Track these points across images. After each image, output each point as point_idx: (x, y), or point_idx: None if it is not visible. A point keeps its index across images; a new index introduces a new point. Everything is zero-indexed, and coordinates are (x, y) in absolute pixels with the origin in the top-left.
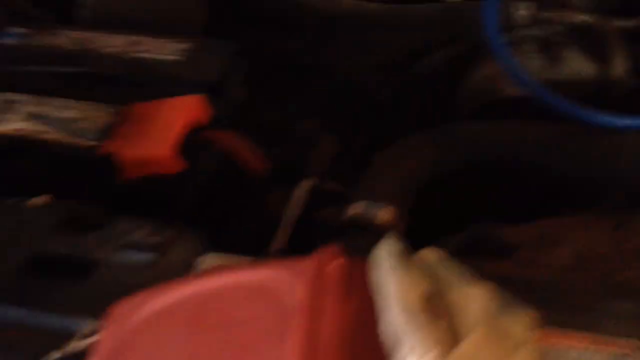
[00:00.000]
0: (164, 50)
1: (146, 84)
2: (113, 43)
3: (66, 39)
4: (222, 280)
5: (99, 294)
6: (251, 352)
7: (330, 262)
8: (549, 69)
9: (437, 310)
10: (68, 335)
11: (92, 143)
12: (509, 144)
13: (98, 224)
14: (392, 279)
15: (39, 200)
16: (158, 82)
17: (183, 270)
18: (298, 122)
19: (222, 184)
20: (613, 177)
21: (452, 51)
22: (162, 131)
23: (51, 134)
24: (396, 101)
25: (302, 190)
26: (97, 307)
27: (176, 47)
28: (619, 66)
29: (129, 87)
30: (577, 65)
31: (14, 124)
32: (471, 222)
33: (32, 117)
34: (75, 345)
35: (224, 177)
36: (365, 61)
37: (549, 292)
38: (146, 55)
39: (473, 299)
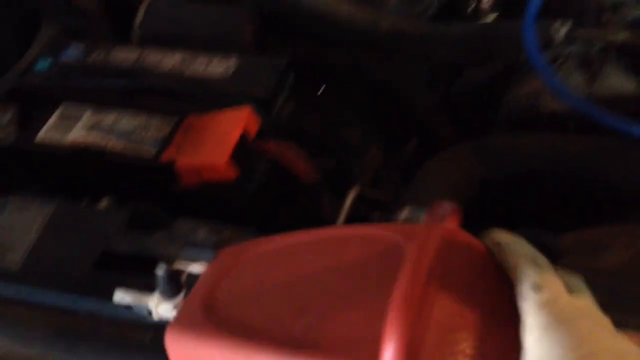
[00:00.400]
0: (216, 66)
1: (200, 98)
2: (168, 60)
3: (124, 55)
4: (334, 231)
5: None
6: (358, 285)
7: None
8: (590, 86)
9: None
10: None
11: (152, 152)
12: (552, 156)
13: (161, 224)
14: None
15: (104, 203)
16: (211, 97)
17: None
18: (345, 132)
19: (275, 190)
20: None
21: (492, 68)
22: (217, 141)
23: (112, 144)
24: (439, 114)
25: (351, 197)
26: None
27: (227, 64)
28: None
29: (185, 100)
30: (617, 81)
31: (77, 135)
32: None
33: (94, 128)
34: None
35: (276, 183)
36: (410, 75)
37: (602, 294)
38: (200, 71)
39: None
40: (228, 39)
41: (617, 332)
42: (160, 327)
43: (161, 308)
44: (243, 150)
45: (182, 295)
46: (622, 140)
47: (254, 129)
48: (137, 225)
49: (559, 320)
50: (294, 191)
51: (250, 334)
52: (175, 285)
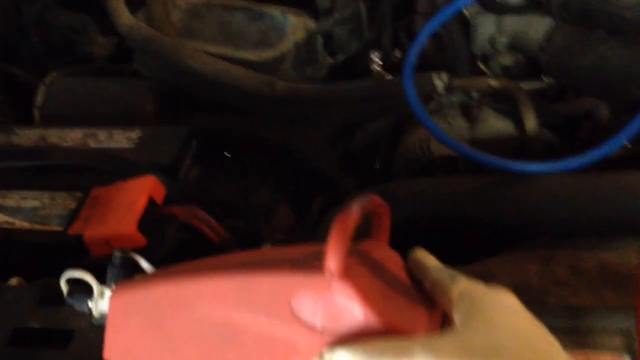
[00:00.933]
0: (118, 139)
1: (105, 170)
2: (70, 136)
3: (25, 136)
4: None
5: (79, 358)
6: None
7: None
8: (471, 130)
9: None
10: None
11: (59, 228)
12: (443, 197)
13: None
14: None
15: (13, 281)
16: (115, 169)
17: None
18: (253, 195)
19: (186, 252)
20: (535, 216)
21: (386, 121)
22: (124, 210)
23: (17, 224)
24: (341, 169)
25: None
26: None
27: (129, 136)
28: (531, 122)
29: (89, 175)
30: (494, 124)
31: None
32: None
33: None
34: None
35: (187, 246)
36: (309, 137)
37: None
38: (102, 145)
39: None
40: (130, 113)
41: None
42: None
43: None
44: (151, 217)
45: None
46: (504, 176)
47: (160, 195)
48: (49, 300)
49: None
50: (205, 252)
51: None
52: None
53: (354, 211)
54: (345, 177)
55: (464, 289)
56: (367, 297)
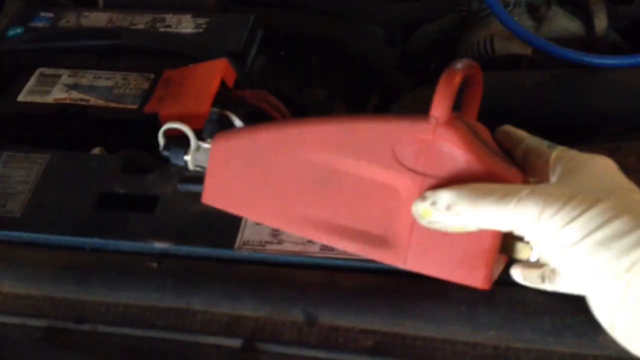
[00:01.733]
0: (186, 24)
1: (175, 53)
2: (139, 20)
3: (94, 19)
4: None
5: (165, 221)
6: None
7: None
8: (538, 29)
9: None
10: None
11: (134, 106)
12: (511, 90)
13: (154, 167)
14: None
15: (96, 150)
16: (186, 52)
17: None
18: (311, 92)
19: None
20: (606, 107)
21: (445, 21)
22: (198, 91)
23: (92, 101)
24: (399, 69)
25: None
26: (165, 232)
27: (198, 22)
28: (602, 22)
29: (160, 57)
30: (563, 24)
31: (58, 95)
32: None
33: (73, 88)
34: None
35: None
36: (367, 35)
37: None
38: (171, 29)
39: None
40: (192, 3)
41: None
42: (164, 255)
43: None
44: (223, 99)
45: None
46: (574, 70)
47: (231, 79)
48: (131, 169)
49: (573, 166)
50: None
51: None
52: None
53: (459, 67)
54: (402, 76)
55: (560, 152)
56: (470, 145)
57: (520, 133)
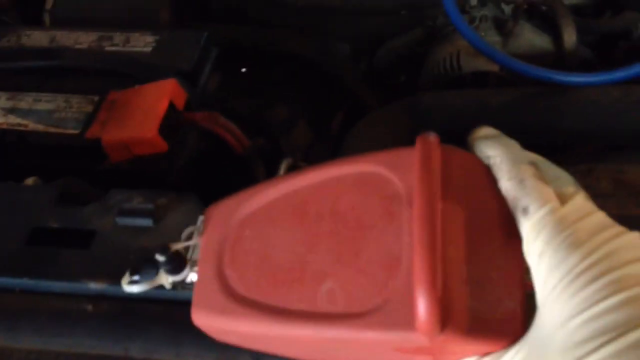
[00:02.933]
0: (135, 42)
1: (121, 74)
2: (85, 39)
3: (37, 38)
4: (321, 174)
5: (102, 258)
6: (363, 233)
7: (430, 149)
8: (505, 45)
9: (542, 177)
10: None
11: (74, 131)
12: (477, 109)
13: (92, 198)
14: (500, 149)
15: (29, 180)
16: (134, 72)
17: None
18: (273, 110)
19: (207, 161)
20: (576, 127)
21: (412, 35)
22: (144, 114)
23: (31, 126)
24: (365, 84)
25: (284, 167)
26: (102, 270)
27: (147, 39)
28: (571, 37)
29: (105, 77)
30: (530, 39)
31: None
32: None
33: (11, 112)
34: (175, 246)
35: (208, 154)
36: (333, 50)
37: None
38: (118, 47)
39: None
40: (144, 19)
41: (614, 223)
42: (100, 296)
43: (172, 281)
44: (172, 122)
45: (187, 266)
46: (543, 88)
47: (181, 100)
48: (68, 201)
49: (555, 232)
50: (227, 161)
51: (278, 313)
52: (179, 261)
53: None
54: (369, 92)
55: (538, 221)
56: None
57: (492, 159)
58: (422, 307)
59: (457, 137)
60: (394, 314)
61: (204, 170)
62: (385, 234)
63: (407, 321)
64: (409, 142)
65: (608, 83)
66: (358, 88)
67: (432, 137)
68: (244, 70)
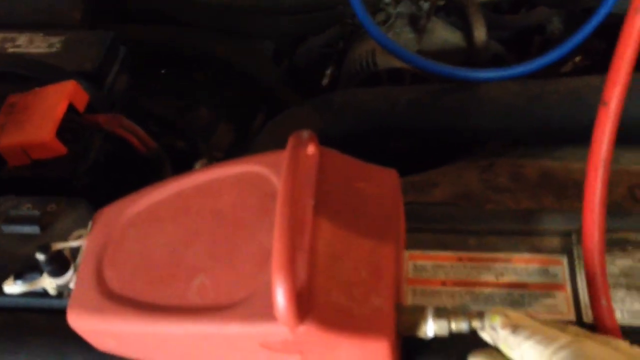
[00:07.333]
0: (39, 44)
1: (23, 77)
2: None
3: None
4: (207, 175)
5: None
6: (239, 230)
7: (303, 151)
8: (419, 42)
9: None
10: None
11: None
12: (386, 107)
13: None
14: None
15: None
16: (35, 74)
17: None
18: (192, 113)
19: (113, 163)
20: (479, 123)
21: (331, 34)
22: (42, 117)
23: None
24: (285, 84)
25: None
26: None
27: (51, 41)
28: (480, 33)
29: (5, 82)
30: (443, 36)
31: None
32: None
33: None
34: (57, 245)
35: (113, 157)
36: (253, 51)
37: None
38: (21, 49)
39: None
40: (54, 19)
41: None
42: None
43: (55, 285)
44: (72, 125)
45: (71, 268)
46: (448, 85)
47: (82, 102)
48: None
49: None
50: (134, 164)
51: (149, 309)
52: (60, 262)
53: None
54: (289, 92)
55: None
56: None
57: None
58: (280, 296)
59: (367, 134)
60: (257, 305)
61: (109, 174)
62: (260, 230)
63: (268, 312)
64: (320, 140)
65: (508, 78)
66: (278, 88)
67: (305, 135)
68: (163, 71)
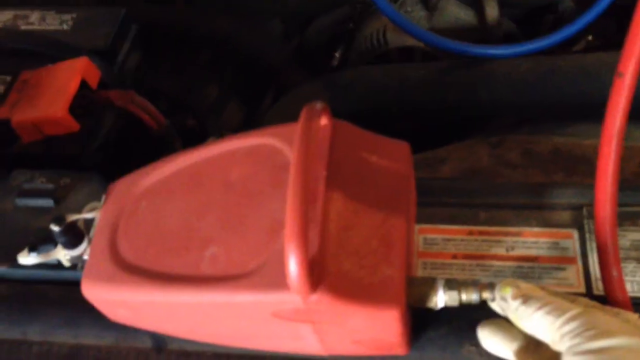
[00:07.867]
0: (51, 21)
1: (36, 53)
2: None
3: None
4: (219, 148)
5: (1, 242)
6: (251, 201)
7: (316, 122)
8: (430, 19)
9: None
10: None
11: None
12: (396, 84)
13: None
14: None
15: None
16: (48, 51)
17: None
18: (202, 92)
19: (124, 140)
20: (491, 99)
21: (339, 13)
22: (54, 93)
23: None
24: (294, 64)
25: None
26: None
27: (63, 18)
28: (493, 11)
29: (19, 58)
30: (455, 13)
31: None
32: None
33: None
34: (71, 217)
35: (125, 133)
36: (262, 31)
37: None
38: (34, 26)
39: None
40: None
41: None
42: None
43: (69, 256)
44: (84, 102)
45: (85, 240)
46: (460, 61)
47: (94, 79)
48: None
49: None
50: (145, 140)
51: (162, 278)
52: (74, 234)
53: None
54: (298, 71)
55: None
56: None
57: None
58: (292, 265)
59: (377, 111)
60: (269, 275)
61: (121, 149)
62: (272, 201)
63: (281, 281)
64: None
65: (519, 55)
66: (285, 67)
67: (318, 107)
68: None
